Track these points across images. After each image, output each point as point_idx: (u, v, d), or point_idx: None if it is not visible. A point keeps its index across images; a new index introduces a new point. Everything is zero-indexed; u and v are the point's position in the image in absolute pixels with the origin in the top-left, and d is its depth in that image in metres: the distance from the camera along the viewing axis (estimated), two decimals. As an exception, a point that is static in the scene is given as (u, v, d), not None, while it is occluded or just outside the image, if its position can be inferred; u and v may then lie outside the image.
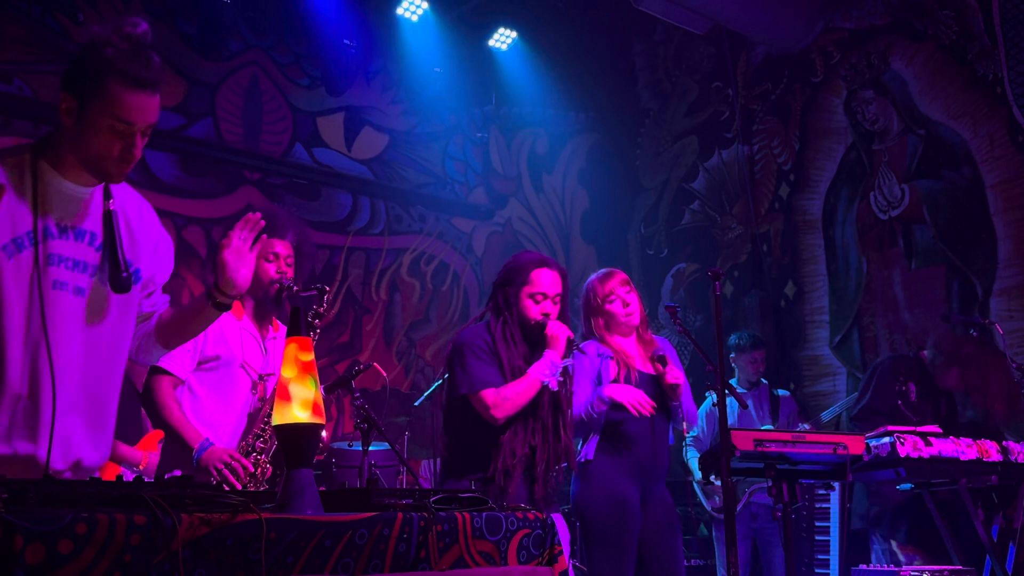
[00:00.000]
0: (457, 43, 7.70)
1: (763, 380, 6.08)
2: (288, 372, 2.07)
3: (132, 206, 2.47)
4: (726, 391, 3.52)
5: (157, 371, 3.44)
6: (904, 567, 4.21)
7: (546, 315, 3.53)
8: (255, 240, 2.49)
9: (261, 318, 3.69)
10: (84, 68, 2.19)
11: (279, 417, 2.05)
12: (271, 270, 3.59)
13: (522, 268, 3.61)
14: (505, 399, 3.38)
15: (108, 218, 2.33)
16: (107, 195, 2.35)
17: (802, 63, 7.42)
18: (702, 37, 8.00)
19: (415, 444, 5.59)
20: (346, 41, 7.23)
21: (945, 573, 4.07)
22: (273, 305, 3.67)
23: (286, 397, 2.05)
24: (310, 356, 2.11)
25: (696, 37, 8.05)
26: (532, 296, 3.55)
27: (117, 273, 2.30)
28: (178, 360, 3.44)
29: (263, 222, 2.51)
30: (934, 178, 6.50)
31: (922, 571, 4.06)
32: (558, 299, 3.59)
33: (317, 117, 7.25)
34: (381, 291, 7.36)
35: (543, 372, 3.42)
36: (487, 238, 8.14)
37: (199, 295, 2.54)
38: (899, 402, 4.70)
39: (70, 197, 2.30)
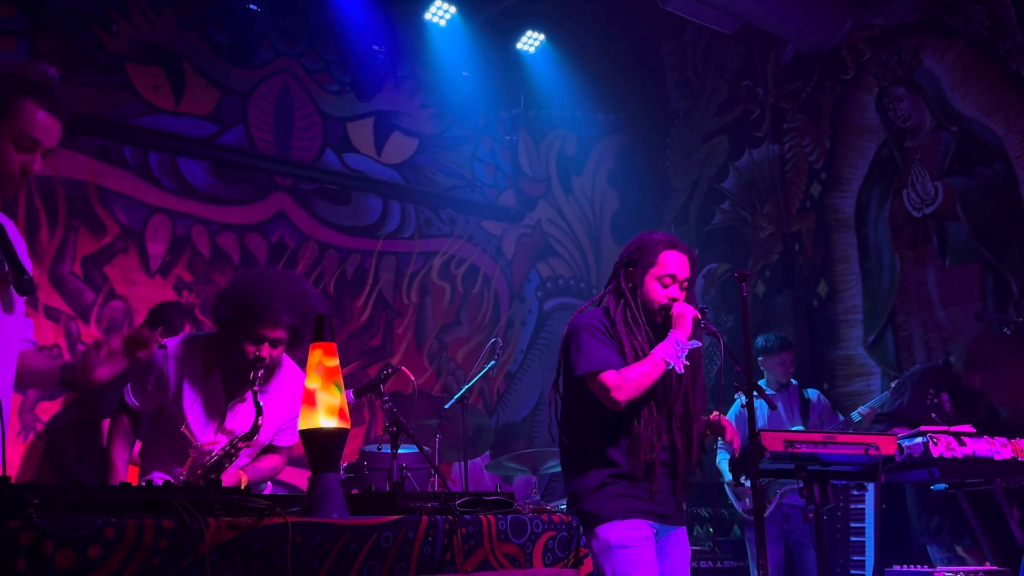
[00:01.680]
0: (485, 46, 7.73)
1: (793, 381, 6.04)
2: (313, 379, 2.10)
3: (8, 224, 2.52)
4: (755, 393, 3.49)
5: (122, 406, 3.37)
6: (939, 568, 4.17)
7: (672, 300, 3.28)
8: (132, 350, 2.48)
9: (229, 384, 3.37)
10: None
11: (305, 423, 2.08)
12: (250, 352, 3.23)
13: (649, 248, 3.33)
14: (627, 380, 3.11)
15: (1, 230, 2.41)
16: None
17: (832, 61, 7.36)
18: (731, 36, 7.97)
19: (446, 446, 5.61)
20: (375, 47, 7.27)
21: (980, 574, 4.02)
22: (243, 381, 3.29)
23: (312, 403, 2.08)
24: (335, 362, 2.13)
25: (725, 36, 8.02)
26: (659, 279, 3.29)
27: (19, 277, 2.36)
28: (145, 399, 3.35)
29: (153, 344, 2.50)
30: (967, 175, 6.43)
31: (957, 572, 4.02)
32: (686, 284, 3.34)
33: (347, 123, 7.31)
34: (412, 294, 7.40)
35: (668, 353, 3.15)
36: (517, 240, 8.16)
37: (58, 366, 2.54)
38: (932, 415, 4.64)
39: None
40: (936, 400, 4.77)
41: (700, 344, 3.29)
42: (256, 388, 3.14)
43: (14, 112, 2.30)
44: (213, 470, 3.14)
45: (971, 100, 6.46)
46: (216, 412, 3.34)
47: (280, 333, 3.24)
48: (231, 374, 3.34)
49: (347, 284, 7.07)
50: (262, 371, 3.21)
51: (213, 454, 3.21)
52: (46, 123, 2.35)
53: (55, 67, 2.43)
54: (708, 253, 8.19)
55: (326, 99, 7.22)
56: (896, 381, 5.49)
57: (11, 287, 2.37)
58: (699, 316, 3.24)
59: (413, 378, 3.95)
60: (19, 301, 2.47)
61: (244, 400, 3.35)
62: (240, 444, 3.18)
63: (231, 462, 3.19)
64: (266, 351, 3.24)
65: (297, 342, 3.32)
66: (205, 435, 3.33)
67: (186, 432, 3.30)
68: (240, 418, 3.35)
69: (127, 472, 3.32)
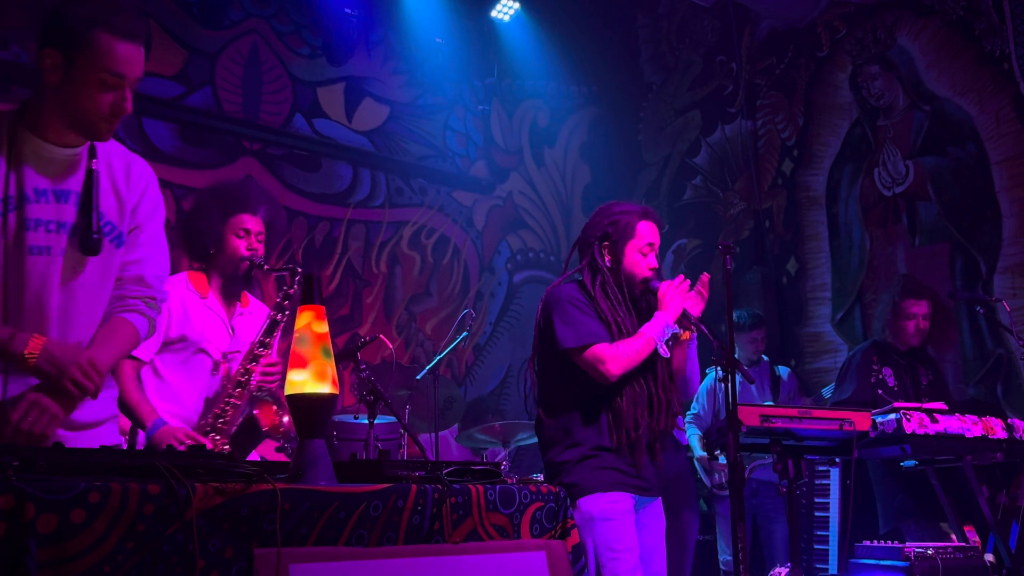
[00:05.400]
0: (459, 14, 7.62)
1: (764, 357, 6.05)
2: (302, 343, 2.03)
3: (119, 166, 2.40)
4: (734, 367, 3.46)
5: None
6: (908, 543, 4.20)
7: (654, 269, 3.25)
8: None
9: (228, 296, 3.59)
10: (68, 22, 2.14)
11: (292, 388, 2.02)
12: (241, 246, 3.48)
13: (627, 221, 3.26)
14: (623, 354, 3.06)
15: (89, 177, 2.29)
16: (92, 154, 2.31)
17: (807, 37, 7.35)
18: (707, 10, 7.93)
19: (416, 417, 5.57)
20: (347, 10, 7.14)
21: (949, 550, 4.06)
22: (242, 282, 3.58)
23: (301, 367, 2.02)
24: (324, 326, 2.07)
25: (701, 10, 7.98)
26: (640, 250, 3.24)
27: (88, 234, 2.26)
28: (147, 342, 3.39)
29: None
30: (939, 155, 6.45)
31: (926, 547, 4.05)
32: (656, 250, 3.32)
33: (317, 87, 7.18)
34: (381, 264, 7.31)
35: (658, 334, 3.11)
36: (488, 212, 8.09)
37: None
38: (879, 391, 4.69)
39: (50, 159, 2.26)
40: (880, 376, 4.82)
41: (679, 330, 3.27)
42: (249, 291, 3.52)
43: (89, 48, 2.13)
44: (240, 385, 3.43)
45: (944, 79, 6.47)
46: (223, 325, 3.55)
47: (260, 225, 3.52)
48: (224, 287, 3.55)
49: (315, 252, 6.97)
50: (252, 263, 3.46)
51: (241, 360, 3.48)
52: (127, 53, 2.17)
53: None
54: (679, 228, 8.18)
55: (296, 62, 7.08)
56: (838, 372, 5.50)
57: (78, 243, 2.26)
58: (687, 309, 3.20)
59: (392, 347, 3.92)
60: (111, 258, 2.36)
61: (242, 314, 3.62)
62: (260, 345, 3.48)
63: (256, 363, 3.46)
64: (253, 242, 3.49)
65: (272, 238, 3.62)
66: (224, 346, 3.53)
67: (206, 349, 3.47)
68: (244, 327, 3.60)
69: (151, 409, 3.33)
